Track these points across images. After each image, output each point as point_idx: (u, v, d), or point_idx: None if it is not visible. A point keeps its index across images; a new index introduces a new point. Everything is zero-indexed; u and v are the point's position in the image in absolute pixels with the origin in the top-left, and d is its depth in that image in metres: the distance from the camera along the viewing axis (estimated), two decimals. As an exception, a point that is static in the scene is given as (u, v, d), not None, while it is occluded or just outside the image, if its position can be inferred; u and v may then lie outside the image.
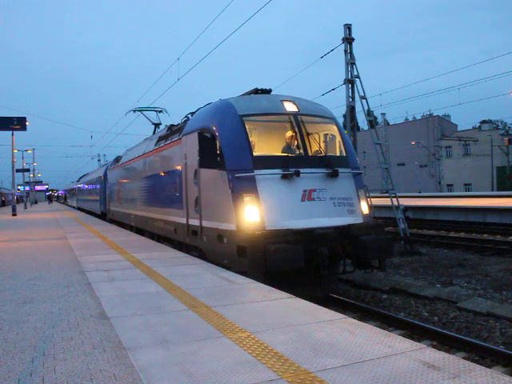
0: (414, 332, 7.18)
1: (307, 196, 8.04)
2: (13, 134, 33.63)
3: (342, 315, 4.83)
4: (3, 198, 79.06)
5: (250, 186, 7.83)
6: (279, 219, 7.71)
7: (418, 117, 73.42)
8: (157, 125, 18.70)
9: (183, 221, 10.34)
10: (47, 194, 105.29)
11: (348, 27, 16.18)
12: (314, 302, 5.42)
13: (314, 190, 8.13)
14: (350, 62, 16.07)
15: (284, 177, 8.00)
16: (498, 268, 11.72)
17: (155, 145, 13.74)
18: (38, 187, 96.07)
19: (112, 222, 23.08)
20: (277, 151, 8.67)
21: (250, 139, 8.45)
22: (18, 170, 52.73)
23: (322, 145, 8.97)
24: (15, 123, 30.67)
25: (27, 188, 78.11)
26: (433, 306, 8.76)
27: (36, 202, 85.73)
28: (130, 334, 4.36)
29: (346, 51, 16.13)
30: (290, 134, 8.64)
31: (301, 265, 7.22)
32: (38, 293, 6.35)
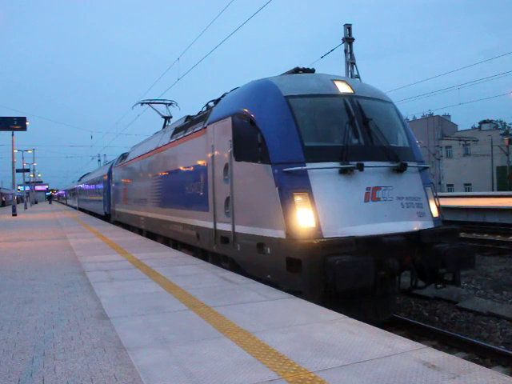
0: (414, 332, 7.17)
1: (371, 195, 6.65)
2: (13, 134, 33.65)
3: (341, 315, 4.83)
4: (3, 198, 79.07)
5: (302, 183, 6.42)
6: (339, 224, 6.30)
7: (418, 117, 73.49)
8: (167, 118, 17.48)
9: (209, 225, 8.82)
10: (47, 194, 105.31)
11: (348, 27, 16.20)
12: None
13: (379, 188, 6.74)
14: (350, 62, 16.10)
15: (343, 171, 6.58)
16: (498, 268, 11.73)
17: (171, 137, 12.11)
18: (38, 187, 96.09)
19: (117, 224, 21.23)
20: (330, 140, 7.16)
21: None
22: (18, 170, 52.76)
23: (385, 133, 7.40)
24: (15, 123, 30.70)
25: (27, 188, 78.11)
26: (433, 305, 8.76)
27: (36, 202, 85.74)
28: (130, 334, 4.36)
29: (346, 51, 16.16)
30: (346, 119, 7.10)
31: (372, 281, 5.95)
32: (38, 293, 6.35)
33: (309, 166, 6.53)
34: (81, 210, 44.21)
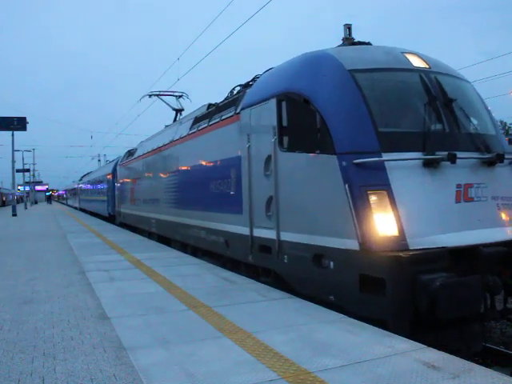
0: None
1: (463, 194, 5.35)
2: (13, 134, 33.64)
3: (342, 315, 4.83)
4: (3, 199, 79.07)
5: (379, 179, 5.14)
6: (427, 231, 4.99)
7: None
8: (178, 111, 16.28)
9: (243, 230, 7.42)
10: (47, 194, 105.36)
11: (348, 27, 16.17)
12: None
13: (471, 186, 5.42)
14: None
15: (428, 164, 5.28)
16: (498, 268, 11.67)
17: (190, 128, 10.65)
18: (38, 187, 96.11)
19: (123, 226, 19.52)
20: (409, 125, 5.77)
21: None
22: (18, 170, 52.75)
23: (471, 117, 6.22)
24: (15, 123, 30.71)
25: (27, 188, 78.13)
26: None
27: (36, 202, 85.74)
28: (130, 334, 4.36)
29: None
30: (425, 99, 5.80)
31: (481, 306, 4.90)
32: (38, 293, 6.35)
33: (386, 156, 5.20)
34: (82, 210, 43.54)
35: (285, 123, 6.40)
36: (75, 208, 52.73)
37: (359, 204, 5.05)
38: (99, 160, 69.31)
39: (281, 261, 6.36)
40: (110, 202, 24.27)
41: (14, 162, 35.90)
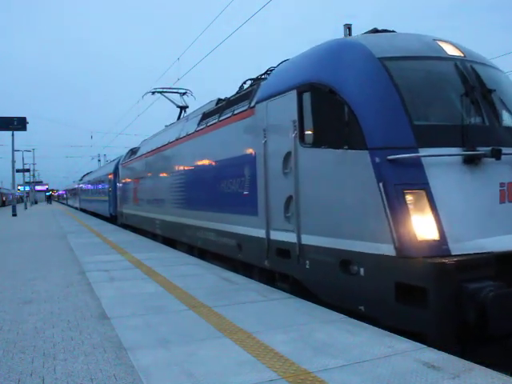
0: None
1: (507, 194, 4.98)
2: (13, 134, 33.66)
3: (342, 315, 4.83)
4: (3, 199, 79.08)
5: (416, 177, 4.75)
6: (470, 235, 4.62)
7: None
8: (182, 108, 15.98)
9: (258, 233, 6.97)
10: (47, 194, 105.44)
11: (348, 27, 16.16)
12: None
13: None
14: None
15: (469, 160, 4.87)
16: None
17: (198, 125, 10.14)
18: (38, 187, 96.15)
19: (125, 227, 18.94)
20: (446, 118, 5.30)
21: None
22: (18, 170, 52.76)
23: (511, 110, 5.76)
24: (15, 123, 30.72)
25: (27, 188, 78.16)
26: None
27: (36, 202, 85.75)
28: (130, 334, 4.36)
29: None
30: (462, 90, 5.34)
31: None
32: (38, 293, 6.35)
33: (423, 152, 4.79)
34: (82, 210, 43.19)
35: (307, 117, 5.91)
36: (75, 208, 52.68)
37: (395, 205, 4.62)
38: (99, 160, 69.33)
39: (301, 266, 5.92)
40: (111, 203, 23.73)
41: (14, 161, 35.93)
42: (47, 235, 15.73)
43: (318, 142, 5.69)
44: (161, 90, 16.40)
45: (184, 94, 16.28)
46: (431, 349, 3.77)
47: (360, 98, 5.21)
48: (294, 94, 6.12)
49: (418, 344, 3.91)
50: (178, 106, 16.11)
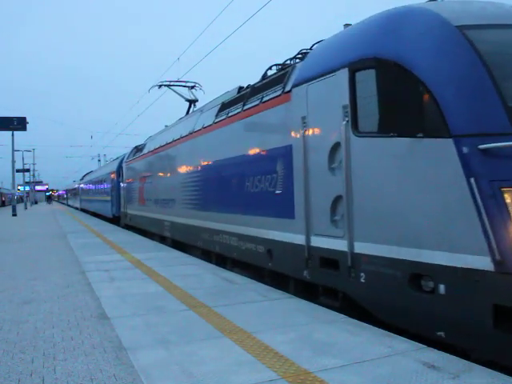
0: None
1: None
2: (13, 134, 33.67)
3: (342, 315, 4.82)
4: (3, 199, 79.10)
5: None
6: None
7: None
8: (192, 102, 15.30)
9: (295, 239, 6.07)
10: (47, 194, 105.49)
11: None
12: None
13: None
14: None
15: None
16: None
17: (216, 116, 9.09)
18: (38, 187, 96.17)
19: (129, 228, 18.17)
20: None
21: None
22: (18, 170, 52.76)
23: None
24: (15, 123, 30.73)
25: (27, 188, 78.20)
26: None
27: (36, 202, 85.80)
28: (130, 334, 4.36)
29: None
30: None
31: None
32: (38, 293, 6.35)
33: None
34: (83, 210, 42.70)
35: (362, 100, 4.96)
36: (76, 208, 52.53)
37: (492, 206, 3.71)
38: (99, 160, 69.33)
39: (355, 280, 4.96)
40: (114, 203, 22.73)
41: (13, 161, 35.95)
42: (47, 235, 15.73)
43: (378, 130, 4.72)
44: (168, 83, 15.78)
45: (193, 87, 15.70)
46: (431, 349, 3.77)
47: (439, 74, 4.30)
48: (344, 73, 5.15)
49: (418, 344, 3.91)
50: (187, 100, 15.43)
